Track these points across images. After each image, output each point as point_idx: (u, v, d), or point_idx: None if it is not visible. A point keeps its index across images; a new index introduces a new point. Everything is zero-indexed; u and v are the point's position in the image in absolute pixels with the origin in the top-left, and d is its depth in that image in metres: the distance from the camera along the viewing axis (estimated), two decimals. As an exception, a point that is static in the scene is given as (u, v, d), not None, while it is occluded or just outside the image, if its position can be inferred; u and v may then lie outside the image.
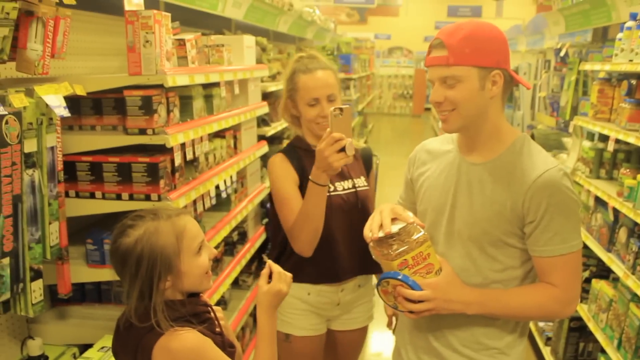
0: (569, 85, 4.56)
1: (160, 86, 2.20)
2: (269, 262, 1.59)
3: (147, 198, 2.28)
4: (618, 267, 2.74)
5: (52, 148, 2.06)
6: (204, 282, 1.49)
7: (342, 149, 1.85)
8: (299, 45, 6.97)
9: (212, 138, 2.80)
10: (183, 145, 2.38)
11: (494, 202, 1.61)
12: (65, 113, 1.94)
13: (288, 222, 2.11)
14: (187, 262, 1.45)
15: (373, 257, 1.60)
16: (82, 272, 2.37)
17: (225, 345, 1.49)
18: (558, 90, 5.12)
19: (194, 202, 2.51)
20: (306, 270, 2.17)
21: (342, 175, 2.20)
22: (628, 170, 2.77)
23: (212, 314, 1.53)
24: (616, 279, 3.02)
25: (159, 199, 2.27)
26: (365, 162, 2.37)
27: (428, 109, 18.13)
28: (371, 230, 1.57)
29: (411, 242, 1.52)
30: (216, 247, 2.74)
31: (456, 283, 1.60)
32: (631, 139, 2.66)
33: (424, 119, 18.07)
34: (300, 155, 2.20)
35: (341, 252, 2.19)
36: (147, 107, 2.19)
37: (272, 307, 1.55)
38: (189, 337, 1.38)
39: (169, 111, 2.33)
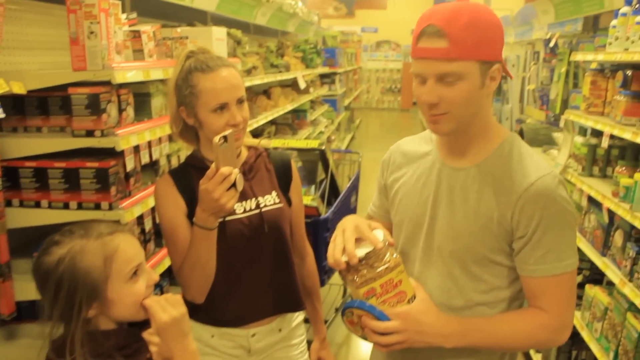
0: (559, 77, 4.38)
1: (110, 82, 1.98)
2: (144, 303, 1.28)
3: (97, 207, 2.06)
4: (614, 274, 2.55)
5: (-15, 153, 1.85)
6: (140, 312, 1.28)
7: (233, 185, 1.53)
8: (280, 39, 6.75)
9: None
10: (138, 147, 2.16)
11: (479, 214, 1.40)
12: (-2, 114, 1.72)
13: (175, 263, 1.74)
14: (117, 289, 1.25)
15: (342, 279, 1.39)
16: (29, 289, 2.14)
17: None
18: (547, 83, 4.94)
19: (152, 209, 2.29)
20: (205, 309, 1.78)
21: (242, 194, 1.74)
22: (624, 168, 2.58)
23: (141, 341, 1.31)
24: (610, 283, 2.84)
25: (110, 208, 2.06)
26: (281, 172, 1.91)
27: (416, 103, 17.93)
28: (333, 257, 1.34)
29: (380, 268, 1.31)
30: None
31: (431, 312, 1.38)
32: (627, 134, 2.46)
33: (413, 113, 17.90)
34: (192, 174, 1.76)
35: (247, 289, 1.81)
36: (94, 106, 1.97)
37: (177, 338, 1.26)
38: None
39: (121, 110, 2.10)
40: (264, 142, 1.95)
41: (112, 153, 2.07)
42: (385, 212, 1.67)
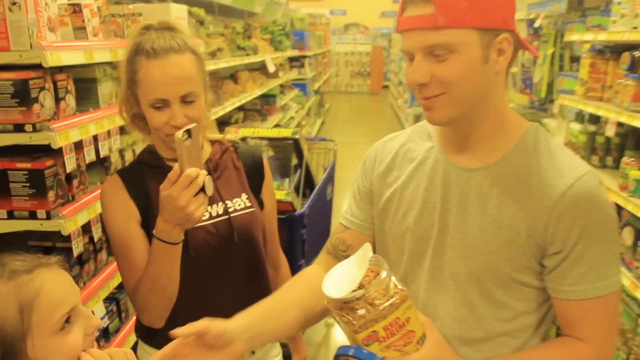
0: (545, 59, 4.14)
1: (42, 66, 1.63)
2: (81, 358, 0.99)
3: (32, 215, 1.73)
4: (622, 275, 2.31)
5: None
6: None
7: (201, 189, 1.28)
8: (247, 21, 6.36)
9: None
10: (81, 143, 1.81)
11: (502, 226, 1.12)
12: None
13: (129, 283, 1.45)
14: (42, 345, 0.92)
15: (333, 318, 1.09)
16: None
17: None
18: (529, 65, 4.71)
19: (100, 215, 1.95)
20: (165, 333, 1.49)
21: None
22: (633, 159, 2.33)
23: None
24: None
25: (48, 217, 1.72)
26: (252, 169, 1.62)
27: (386, 87, 17.71)
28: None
29: (383, 306, 1.01)
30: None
31: (446, 355, 1.11)
32: (638, 122, 2.21)
33: (382, 96, 17.66)
34: (145, 174, 1.48)
35: (215, 309, 1.49)
36: (23, 94, 1.62)
37: None
38: None
39: (58, 99, 1.76)
40: (229, 136, 1.64)
41: (48, 150, 1.73)
42: (369, 224, 1.35)
